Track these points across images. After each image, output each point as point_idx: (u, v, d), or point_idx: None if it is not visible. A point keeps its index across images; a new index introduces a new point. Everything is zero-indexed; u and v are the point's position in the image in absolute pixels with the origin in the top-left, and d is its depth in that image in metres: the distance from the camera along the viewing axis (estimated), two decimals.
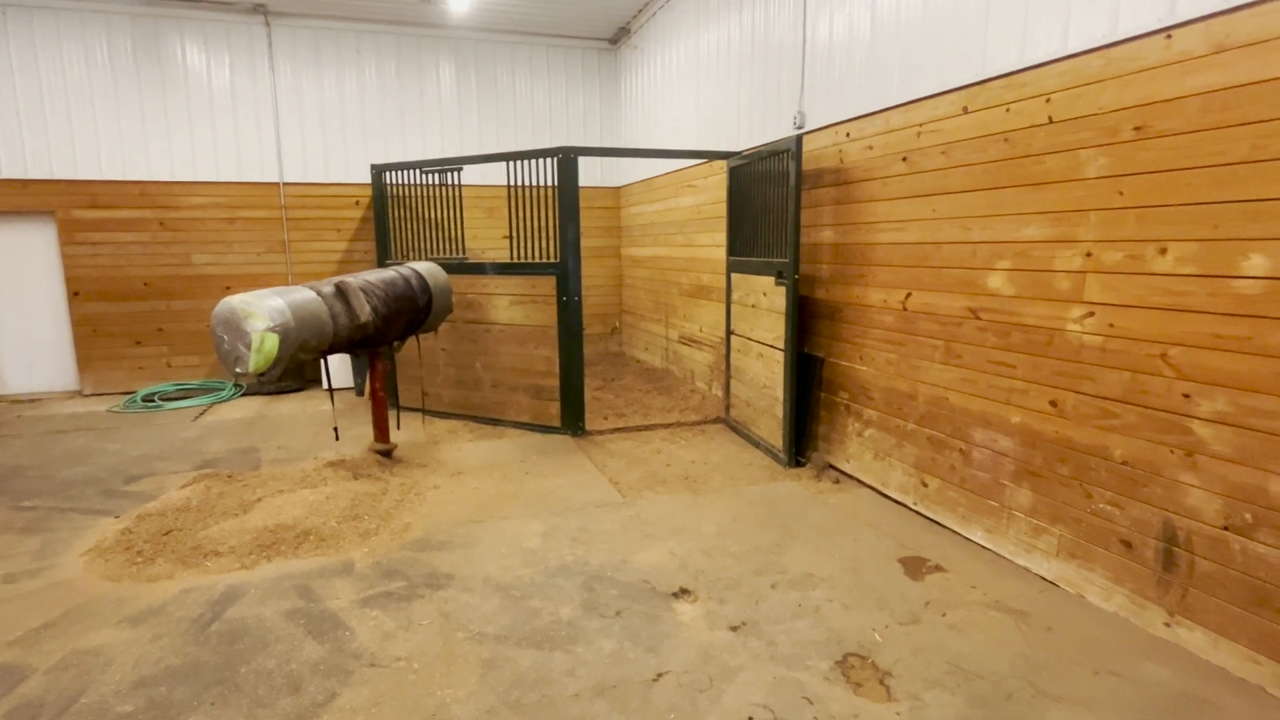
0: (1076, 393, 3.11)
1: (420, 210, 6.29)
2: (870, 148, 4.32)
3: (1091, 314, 3.02)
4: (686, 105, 7.12)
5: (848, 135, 4.53)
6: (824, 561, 3.48)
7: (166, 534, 3.71)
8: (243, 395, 7.38)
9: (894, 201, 4.14)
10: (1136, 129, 2.80)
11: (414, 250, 6.38)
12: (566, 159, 5.34)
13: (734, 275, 5.63)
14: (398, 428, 5.70)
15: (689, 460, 5.09)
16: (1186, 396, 2.68)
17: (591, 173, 9.05)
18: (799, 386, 4.88)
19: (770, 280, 4.94)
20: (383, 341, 4.91)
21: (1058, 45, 3.11)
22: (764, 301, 5.09)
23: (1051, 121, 3.15)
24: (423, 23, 8.05)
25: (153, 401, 7.02)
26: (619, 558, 3.56)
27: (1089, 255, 3.02)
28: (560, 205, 5.43)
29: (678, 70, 7.26)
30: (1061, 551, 3.20)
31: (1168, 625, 2.77)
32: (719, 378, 6.45)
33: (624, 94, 8.88)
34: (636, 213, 8.77)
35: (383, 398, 5.03)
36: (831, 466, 4.81)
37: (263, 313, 3.80)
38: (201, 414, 6.61)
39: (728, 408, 5.95)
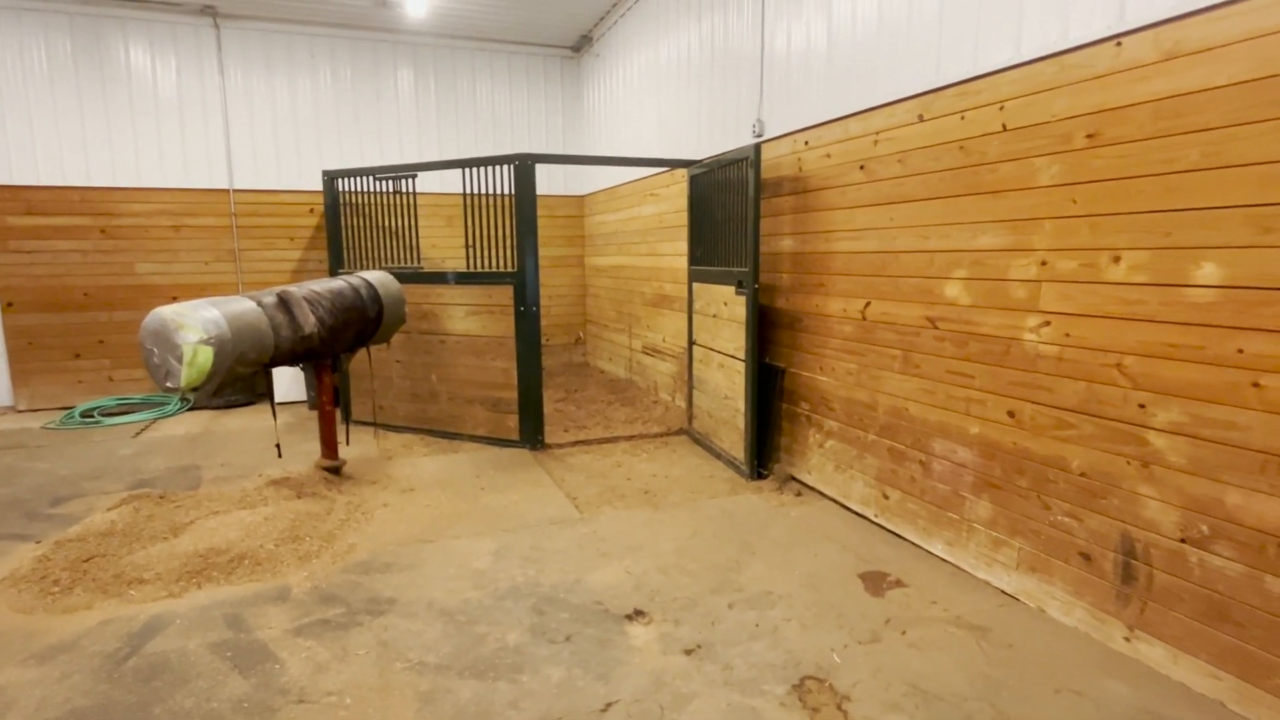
0: (1034, 403, 3.06)
1: (375, 218, 6.10)
2: (828, 156, 4.27)
3: (1047, 323, 2.99)
4: (648, 113, 7.05)
5: (806, 143, 4.49)
6: (783, 578, 3.39)
7: (87, 561, 3.47)
8: (189, 410, 7.08)
9: (852, 210, 4.10)
10: (1089, 136, 2.78)
11: (369, 259, 6.18)
12: (524, 166, 5.21)
13: (695, 285, 5.55)
14: (348, 443, 5.49)
15: (650, 474, 4.97)
16: (1142, 407, 2.65)
17: (555, 181, 8.93)
18: (760, 397, 4.81)
19: (731, 290, 4.87)
20: (330, 353, 4.72)
21: (1010, 53, 3.08)
22: (725, 311, 5.01)
23: (1005, 129, 3.12)
24: (379, 27, 7.87)
25: (92, 417, 6.69)
26: (572, 578, 3.42)
27: (1044, 264, 2.99)
28: (517, 213, 5.30)
29: (639, 78, 7.20)
30: (1021, 564, 3.15)
31: (1128, 640, 2.72)
32: (682, 389, 6.35)
33: (586, 102, 8.80)
34: (599, 221, 8.66)
35: (330, 412, 4.83)
36: (793, 478, 4.73)
37: (195, 324, 3.60)
38: (143, 430, 6.31)
39: (690, 419, 5.86)
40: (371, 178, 5.93)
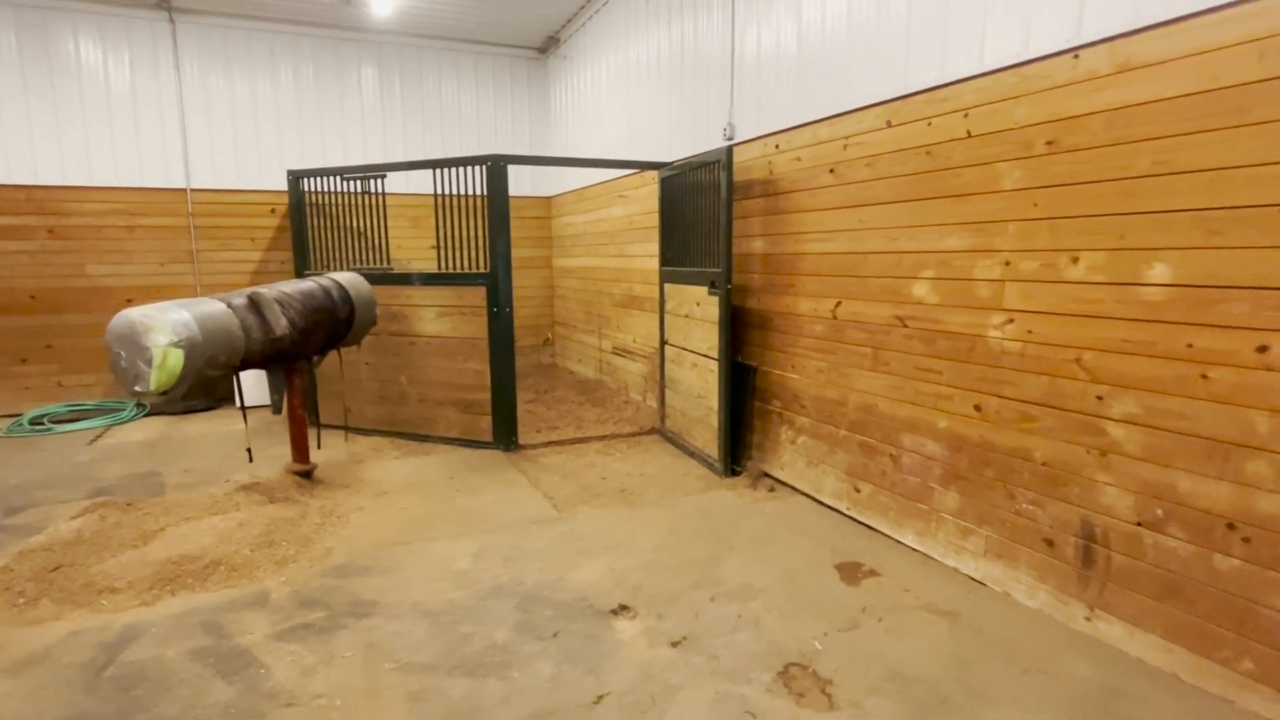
0: (999, 397, 3.21)
1: (342, 218, 6.02)
2: (799, 159, 4.39)
3: (1011, 321, 3.13)
4: (617, 115, 7.10)
5: (777, 147, 4.60)
6: (762, 571, 3.47)
7: (53, 571, 3.37)
8: (145, 415, 6.87)
9: (822, 212, 4.22)
10: (1048, 143, 2.93)
11: (335, 260, 6.09)
12: (496, 167, 5.21)
13: (667, 285, 5.62)
14: (318, 447, 5.40)
15: (624, 473, 5.02)
16: (1100, 399, 2.80)
17: (522, 182, 8.91)
18: (733, 396, 4.90)
19: (703, 290, 4.95)
20: (300, 356, 4.65)
21: (975, 62, 3.23)
22: (697, 311, 5.09)
23: (970, 135, 3.27)
24: (342, 25, 7.76)
25: (41, 424, 6.44)
26: (555, 576, 3.45)
27: (1007, 264, 3.14)
28: (490, 214, 5.30)
29: (608, 81, 7.25)
30: (988, 551, 3.30)
31: (1088, 619, 2.88)
32: (653, 388, 6.41)
33: (554, 103, 8.81)
34: (568, 223, 8.68)
35: (301, 415, 4.76)
36: (766, 475, 4.83)
37: (165, 326, 3.52)
38: (98, 437, 6.11)
39: (663, 418, 5.92)
40: (339, 177, 5.85)
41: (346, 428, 6.02)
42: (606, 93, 7.30)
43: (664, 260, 5.69)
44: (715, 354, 4.85)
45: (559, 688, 2.56)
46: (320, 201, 6.10)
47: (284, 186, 7.55)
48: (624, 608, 3.14)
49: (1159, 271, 2.59)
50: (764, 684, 2.58)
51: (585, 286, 8.22)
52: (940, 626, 2.96)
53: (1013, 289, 3.12)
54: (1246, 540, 2.38)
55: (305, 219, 6.14)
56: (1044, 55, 2.93)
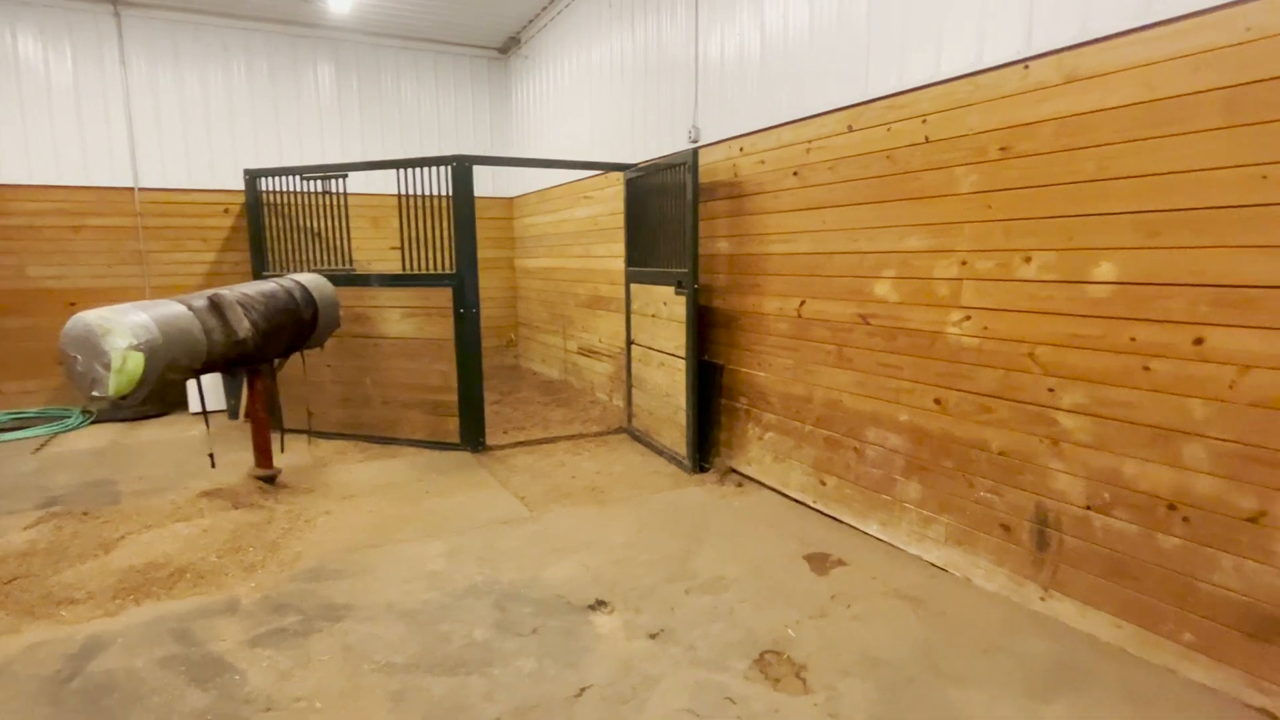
0: (957, 390, 3.36)
1: (300, 219, 5.92)
2: (763, 162, 4.50)
3: (968, 318, 3.29)
4: (580, 117, 7.13)
5: (741, 150, 4.70)
6: (733, 564, 3.56)
7: (8, 583, 3.25)
8: (93, 423, 6.62)
9: (786, 214, 4.33)
10: (1001, 149, 3.09)
11: (294, 261, 5.99)
12: (461, 168, 5.20)
13: (633, 286, 5.68)
14: (281, 451, 5.30)
15: (594, 471, 5.06)
16: (1051, 390, 2.97)
17: (484, 183, 8.81)
18: (700, 394, 4.99)
19: (670, 290, 5.02)
20: (263, 359, 4.57)
21: (932, 71, 3.37)
22: (664, 311, 5.16)
23: (928, 141, 3.41)
24: (297, 21, 7.61)
25: None
26: (530, 574, 3.47)
27: (964, 264, 3.29)
28: (455, 215, 5.28)
29: (571, 82, 7.27)
30: (949, 539, 3.44)
31: (1043, 599, 3.04)
32: (619, 388, 6.47)
33: (515, 104, 8.79)
34: (530, 224, 8.67)
35: (264, 419, 4.67)
36: (734, 471, 4.93)
37: (124, 329, 3.43)
38: (43, 446, 5.87)
39: (630, 417, 5.98)
40: (299, 177, 5.75)
41: (310, 431, 5.92)
42: (570, 94, 7.33)
43: (630, 260, 5.75)
44: (682, 353, 4.93)
45: (541, 682, 2.60)
46: (278, 201, 5.98)
47: (238, 185, 7.37)
48: (601, 603, 3.19)
49: (1104, 270, 2.76)
50: (741, 671, 2.65)
51: (549, 287, 8.23)
52: (906, 611, 3.09)
53: (969, 287, 3.27)
54: (1186, 520, 2.56)
55: (262, 219, 6.01)
56: (996, 65, 3.08)
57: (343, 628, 2.98)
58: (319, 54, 7.92)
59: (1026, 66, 2.97)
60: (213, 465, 4.54)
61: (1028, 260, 3.02)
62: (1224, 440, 2.44)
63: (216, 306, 4.08)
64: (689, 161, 4.65)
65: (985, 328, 3.21)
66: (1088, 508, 2.86)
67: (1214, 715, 2.38)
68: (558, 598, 3.23)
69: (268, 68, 7.68)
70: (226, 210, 7.56)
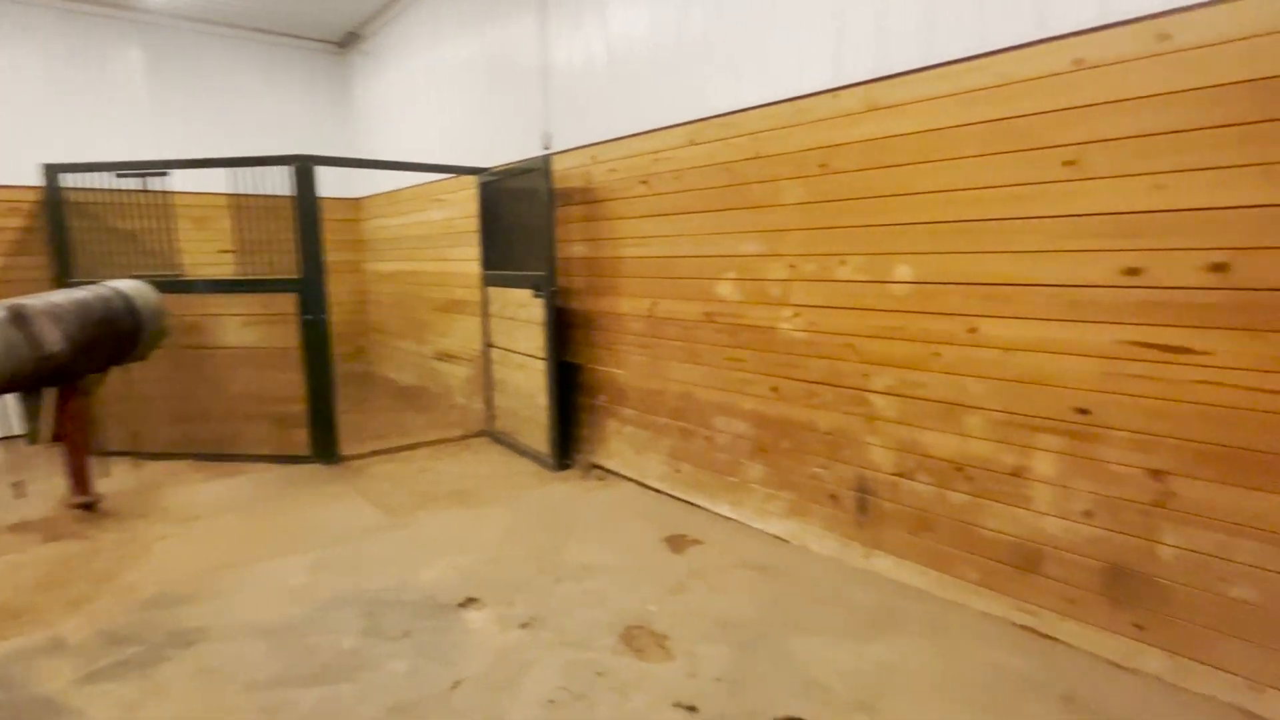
0: (791, 379, 3.78)
1: (111, 219, 5.38)
2: (614, 170, 4.74)
3: (797, 314, 3.70)
4: (429, 118, 7.03)
5: (593, 158, 4.91)
6: (600, 552, 3.76)
7: None
8: None
9: (639, 219, 4.60)
10: (820, 165, 3.52)
11: (107, 266, 5.43)
12: (304, 168, 5.00)
13: (490, 289, 5.72)
14: (105, 476, 4.82)
15: (457, 475, 5.07)
16: (866, 376, 3.43)
17: (326, 183, 8.41)
18: (561, 393, 5.14)
19: (528, 293, 5.14)
20: (78, 375, 4.16)
21: (761, 92, 3.76)
22: (522, 314, 5.27)
23: (759, 156, 3.80)
24: (99, 0, 6.86)
25: None
26: (398, 580, 3.47)
27: (792, 266, 3.70)
28: (300, 218, 5.07)
29: (419, 83, 7.14)
30: (789, 512, 3.86)
31: (865, 557, 3.50)
32: (479, 391, 6.47)
33: (358, 102, 8.46)
34: (380, 226, 8.39)
35: (80, 442, 4.24)
36: (596, 466, 5.14)
37: None
38: None
39: (491, 420, 6.02)
40: (113, 174, 5.23)
41: (136, 453, 5.40)
42: (419, 95, 7.20)
43: (486, 264, 5.78)
44: (542, 354, 5.06)
45: (416, 681, 2.65)
46: (82, 200, 5.41)
47: (30, 182, 6.54)
48: (472, 600, 3.26)
49: (903, 271, 3.25)
50: (609, 647, 2.85)
51: (403, 291, 8.01)
52: (754, 579, 3.44)
53: (798, 287, 3.69)
54: (969, 478, 3.09)
55: (64, 220, 5.41)
56: (813, 92, 3.51)
57: (196, 652, 2.84)
58: (127, 39, 7.17)
59: (836, 95, 3.41)
60: (17, 495, 4.06)
61: (843, 263, 3.47)
62: (993, 410, 2.98)
63: (20, 318, 3.67)
64: (542, 168, 4.79)
65: (812, 323, 3.64)
66: (897, 475, 3.35)
67: (991, 635, 2.90)
68: (428, 599, 3.27)
69: (65, 51, 6.85)
70: (14, 209, 6.66)
